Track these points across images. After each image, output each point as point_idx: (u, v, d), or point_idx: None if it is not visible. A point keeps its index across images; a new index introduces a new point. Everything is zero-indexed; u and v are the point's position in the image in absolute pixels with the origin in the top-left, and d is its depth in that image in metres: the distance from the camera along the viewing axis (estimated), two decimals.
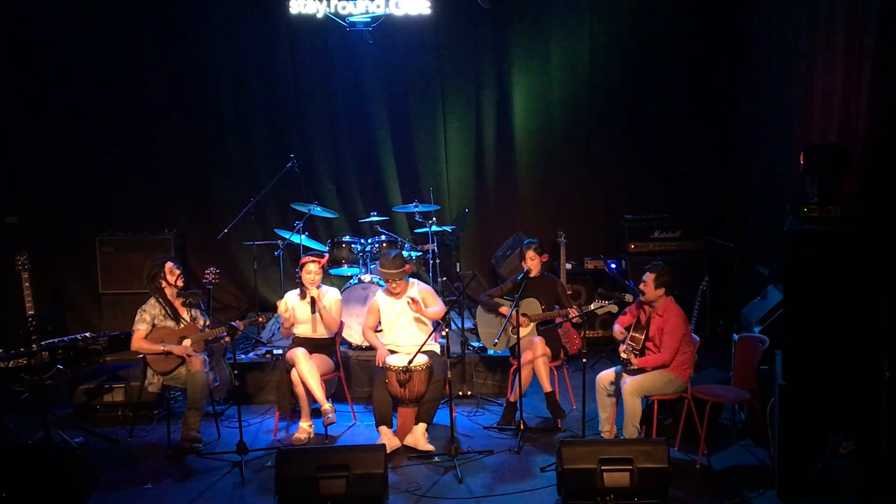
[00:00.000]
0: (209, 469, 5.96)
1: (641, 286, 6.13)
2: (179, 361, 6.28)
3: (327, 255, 7.19)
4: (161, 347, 6.26)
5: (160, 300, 6.39)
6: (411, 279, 6.72)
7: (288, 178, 8.13)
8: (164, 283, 6.38)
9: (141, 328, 6.34)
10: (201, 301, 6.50)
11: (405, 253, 7.40)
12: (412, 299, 6.51)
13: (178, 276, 6.40)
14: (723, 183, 9.12)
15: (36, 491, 5.10)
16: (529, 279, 6.70)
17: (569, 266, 8.04)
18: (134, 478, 5.85)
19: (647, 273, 6.11)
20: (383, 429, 6.21)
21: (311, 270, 6.58)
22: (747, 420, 6.44)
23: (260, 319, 6.50)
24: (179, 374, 6.29)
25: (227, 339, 6.44)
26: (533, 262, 6.76)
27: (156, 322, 6.37)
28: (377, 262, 7.86)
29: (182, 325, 6.38)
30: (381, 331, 6.75)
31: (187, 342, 6.31)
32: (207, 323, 6.46)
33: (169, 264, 6.41)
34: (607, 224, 9.16)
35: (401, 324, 6.59)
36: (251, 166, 9.05)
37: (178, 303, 6.41)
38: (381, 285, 7.34)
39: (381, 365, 6.34)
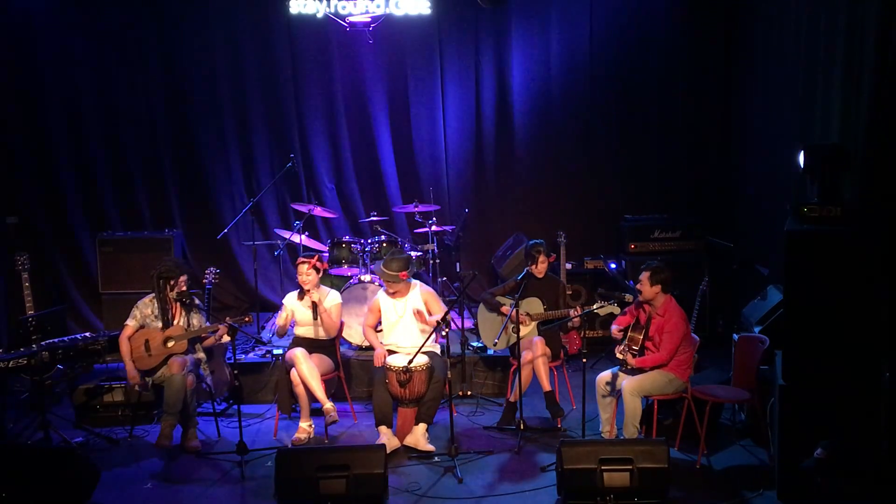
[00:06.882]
0: (209, 469, 5.95)
1: (638, 286, 6.15)
2: (161, 362, 6.25)
3: (318, 254, 7.08)
4: (129, 361, 6.21)
5: (158, 299, 6.34)
6: (413, 280, 6.70)
7: (288, 178, 8.13)
8: (168, 288, 6.33)
9: (130, 325, 6.32)
10: (200, 303, 6.49)
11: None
12: (417, 311, 6.47)
13: (179, 290, 6.34)
14: (723, 183, 9.12)
15: (36, 491, 5.11)
16: (533, 280, 6.71)
17: (569, 266, 8.03)
18: (134, 478, 5.85)
19: (643, 272, 6.13)
20: (383, 429, 6.21)
21: (303, 272, 6.50)
22: (747, 420, 6.44)
23: (246, 320, 6.47)
24: (162, 376, 6.26)
25: (213, 339, 6.46)
26: (543, 265, 6.76)
27: (147, 321, 6.34)
28: (378, 261, 7.89)
29: (169, 328, 6.33)
30: (380, 330, 6.73)
31: (172, 343, 6.28)
32: (204, 326, 6.42)
33: (184, 278, 6.34)
34: (607, 224, 9.16)
35: (402, 325, 6.57)
36: (251, 166, 9.05)
37: (176, 307, 6.39)
38: (381, 285, 7.34)
39: (379, 365, 6.34)
